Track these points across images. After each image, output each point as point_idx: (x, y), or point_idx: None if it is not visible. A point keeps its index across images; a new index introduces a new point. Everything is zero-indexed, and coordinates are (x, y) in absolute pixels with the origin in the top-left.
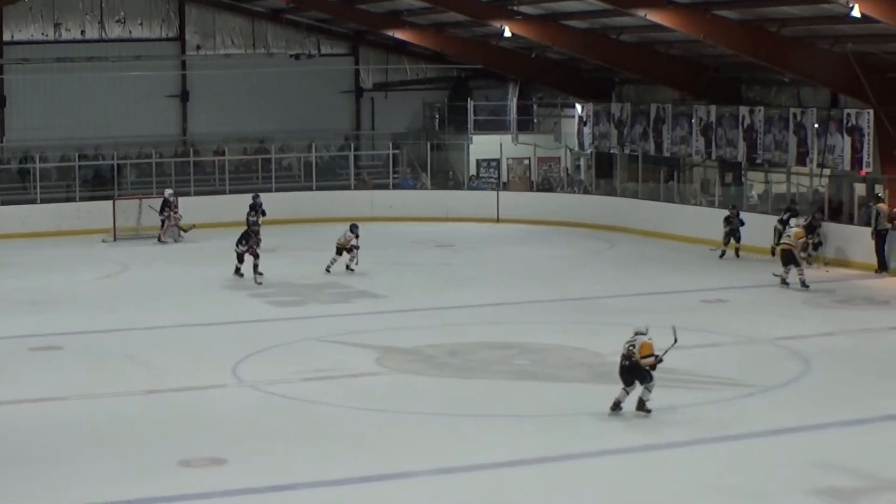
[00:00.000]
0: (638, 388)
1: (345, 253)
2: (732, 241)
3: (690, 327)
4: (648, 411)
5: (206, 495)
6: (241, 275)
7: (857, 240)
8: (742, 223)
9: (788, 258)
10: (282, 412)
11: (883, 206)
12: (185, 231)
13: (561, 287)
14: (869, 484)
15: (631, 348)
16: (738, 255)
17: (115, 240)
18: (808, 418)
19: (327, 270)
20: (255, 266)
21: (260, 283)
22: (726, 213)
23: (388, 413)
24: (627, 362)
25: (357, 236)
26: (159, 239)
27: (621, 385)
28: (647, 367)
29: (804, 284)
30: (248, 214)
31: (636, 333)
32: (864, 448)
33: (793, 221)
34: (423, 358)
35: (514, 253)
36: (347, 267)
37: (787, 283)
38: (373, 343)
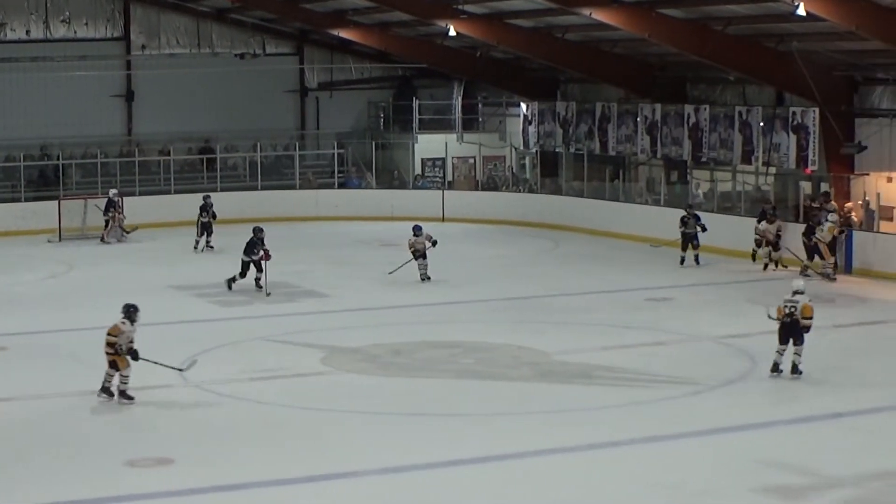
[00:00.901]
0: (790, 350)
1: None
2: (690, 245)
3: (636, 326)
4: (800, 372)
5: (153, 495)
6: (230, 286)
7: (801, 238)
8: (704, 229)
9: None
10: (228, 412)
11: (834, 205)
12: (128, 232)
13: (506, 286)
14: (815, 481)
15: (792, 308)
16: (697, 262)
17: (60, 240)
18: (754, 416)
19: (424, 279)
20: (257, 279)
21: (269, 294)
22: (682, 213)
23: (334, 412)
24: (789, 320)
25: (418, 238)
26: (102, 239)
27: (777, 345)
28: (806, 329)
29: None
30: (199, 216)
31: (795, 293)
32: (811, 445)
33: (831, 216)
34: (368, 357)
35: (459, 252)
36: (423, 276)
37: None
38: (318, 343)
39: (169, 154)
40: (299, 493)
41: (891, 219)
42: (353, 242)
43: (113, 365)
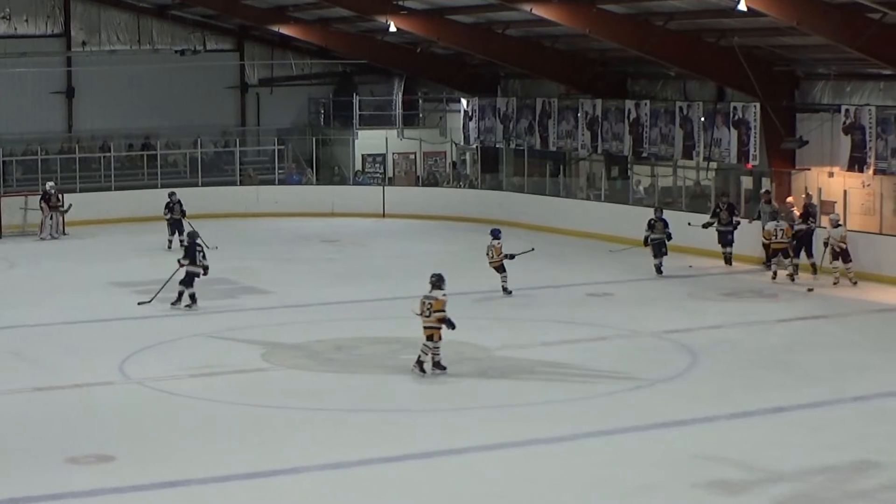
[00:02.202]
0: None
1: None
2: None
3: (577, 321)
4: None
5: (95, 492)
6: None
7: (743, 233)
8: (669, 237)
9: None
10: (169, 409)
11: (776, 204)
12: (66, 212)
13: (447, 282)
14: (757, 476)
15: None
16: (659, 272)
17: (0, 237)
18: (696, 411)
19: (508, 292)
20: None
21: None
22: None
23: (275, 409)
24: None
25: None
26: (40, 235)
27: None
28: None
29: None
30: (165, 214)
31: None
32: (753, 440)
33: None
34: (309, 353)
35: (400, 248)
36: (504, 289)
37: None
38: (259, 339)
39: (109, 150)
40: (241, 490)
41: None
42: (294, 238)
43: (431, 338)
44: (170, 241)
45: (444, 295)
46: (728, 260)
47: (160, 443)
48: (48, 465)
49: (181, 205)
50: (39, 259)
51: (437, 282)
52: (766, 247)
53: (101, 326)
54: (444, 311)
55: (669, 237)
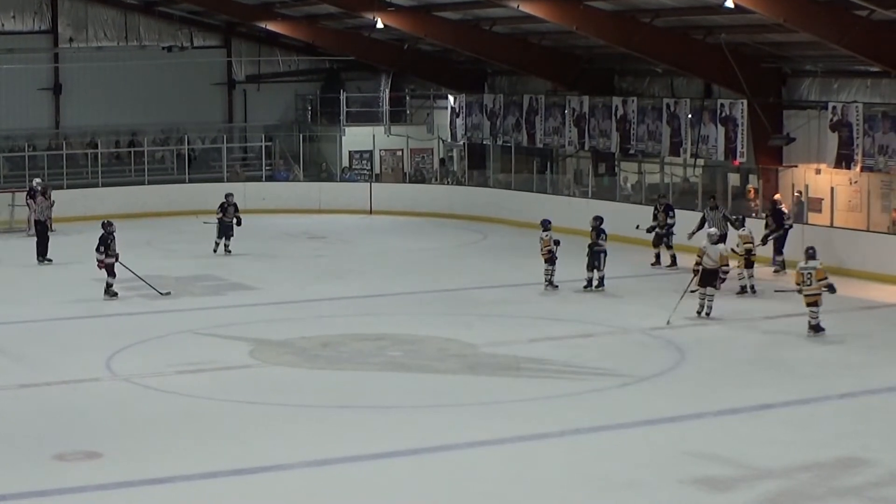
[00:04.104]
0: None
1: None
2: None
3: (564, 318)
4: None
5: (82, 489)
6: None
7: (729, 231)
8: (597, 246)
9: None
10: (156, 405)
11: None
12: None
13: (434, 278)
14: (744, 473)
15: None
16: (598, 285)
17: None
18: (683, 408)
19: (554, 286)
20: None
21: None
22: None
23: (262, 405)
24: None
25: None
26: (28, 232)
27: None
28: None
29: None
30: (218, 215)
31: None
32: (739, 437)
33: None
34: (296, 350)
35: (386, 244)
36: (550, 282)
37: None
38: (246, 335)
39: (96, 147)
40: (227, 487)
41: (820, 210)
42: (281, 235)
43: (815, 304)
44: (216, 244)
45: (821, 263)
46: (673, 261)
47: (147, 439)
48: (35, 462)
49: (236, 208)
50: (26, 256)
51: (814, 253)
52: (702, 271)
53: (88, 323)
54: (826, 277)
55: (596, 247)
